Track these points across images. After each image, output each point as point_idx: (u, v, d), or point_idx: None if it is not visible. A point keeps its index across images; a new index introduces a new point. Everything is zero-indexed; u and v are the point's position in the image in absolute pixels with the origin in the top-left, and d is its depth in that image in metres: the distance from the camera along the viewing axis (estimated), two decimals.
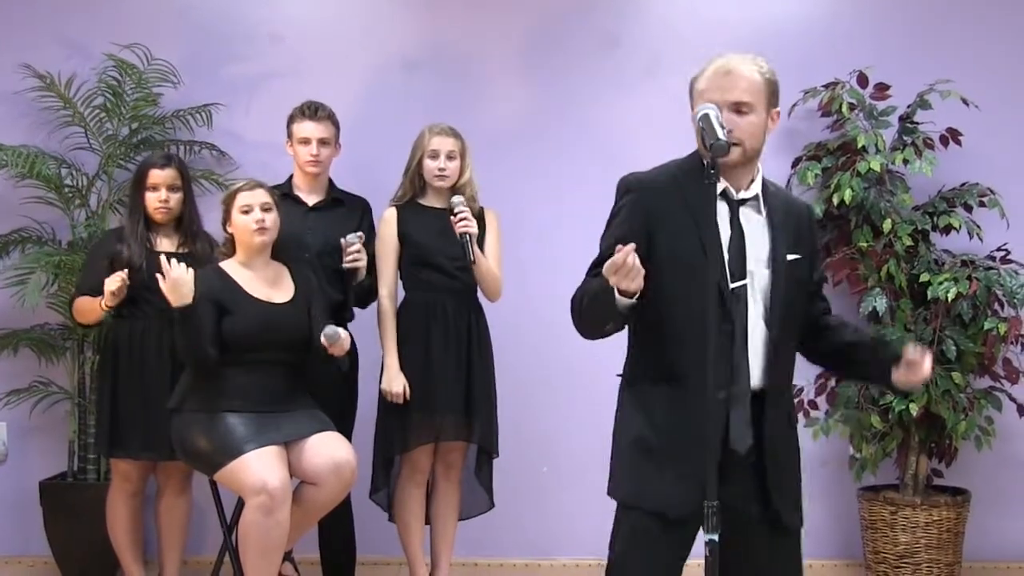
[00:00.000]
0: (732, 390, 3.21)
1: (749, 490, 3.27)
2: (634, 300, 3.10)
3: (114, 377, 5.16)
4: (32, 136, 5.99)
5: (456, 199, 5.01)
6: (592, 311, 3.22)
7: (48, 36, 6.05)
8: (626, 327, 3.34)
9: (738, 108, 3.22)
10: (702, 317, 3.07)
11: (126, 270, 4.99)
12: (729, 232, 3.27)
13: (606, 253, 3.23)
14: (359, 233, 5.19)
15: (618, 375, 3.49)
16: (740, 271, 3.26)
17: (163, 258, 4.61)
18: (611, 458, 3.44)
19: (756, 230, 3.32)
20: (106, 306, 5.01)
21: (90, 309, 5.11)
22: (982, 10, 6.11)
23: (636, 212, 3.30)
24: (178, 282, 4.54)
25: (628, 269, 3.00)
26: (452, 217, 4.97)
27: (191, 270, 4.59)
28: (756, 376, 3.27)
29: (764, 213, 3.34)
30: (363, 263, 5.18)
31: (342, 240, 5.14)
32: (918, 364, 3.30)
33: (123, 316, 5.15)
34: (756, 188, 3.34)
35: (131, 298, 5.10)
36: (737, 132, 3.20)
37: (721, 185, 3.25)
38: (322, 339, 4.69)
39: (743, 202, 3.31)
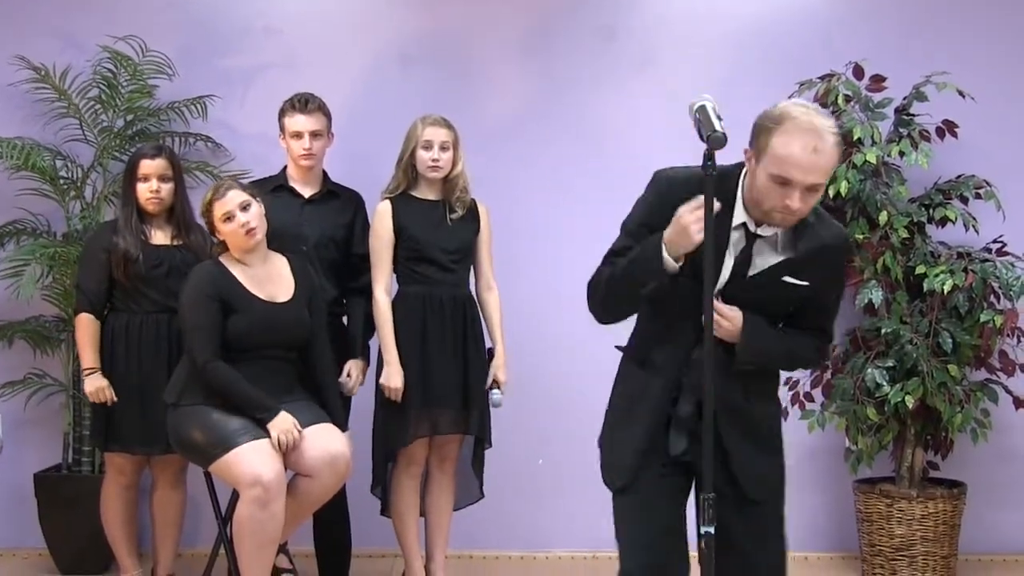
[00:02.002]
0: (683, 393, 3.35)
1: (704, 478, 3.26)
2: (679, 265, 3.17)
3: (110, 370, 5.14)
4: (27, 128, 5.97)
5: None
6: (634, 273, 3.26)
7: (43, 28, 6.04)
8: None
9: (812, 191, 3.18)
10: (683, 323, 3.29)
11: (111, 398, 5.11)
12: (734, 257, 3.31)
13: (631, 232, 3.37)
14: (353, 381, 5.28)
15: (617, 347, 3.58)
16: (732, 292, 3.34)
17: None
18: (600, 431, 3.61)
19: (766, 261, 3.33)
20: (83, 373, 5.16)
21: (81, 346, 5.16)
22: (978, 2, 6.11)
23: (655, 211, 3.30)
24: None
25: (689, 227, 3.09)
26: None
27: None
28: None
29: (779, 249, 3.33)
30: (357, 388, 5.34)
31: (340, 381, 5.19)
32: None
33: (119, 309, 5.15)
34: (778, 228, 3.31)
35: (127, 291, 5.10)
36: (802, 211, 3.20)
37: (743, 218, 3.29)
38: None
39: (762, 236, 3.31)
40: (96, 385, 5.09)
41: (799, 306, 3.42)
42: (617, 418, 3.51)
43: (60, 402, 5.90)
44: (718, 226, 3.16)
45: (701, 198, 3.01)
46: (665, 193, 3.32)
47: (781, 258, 3.32)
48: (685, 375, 3.33)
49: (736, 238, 3.30)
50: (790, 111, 3.16)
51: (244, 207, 4.72)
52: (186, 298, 4.71)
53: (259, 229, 4.76)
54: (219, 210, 4.71)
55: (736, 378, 3.35)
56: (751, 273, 3.31)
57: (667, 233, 3.14)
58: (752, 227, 3.29)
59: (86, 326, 5.13)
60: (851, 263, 5.73)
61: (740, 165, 3.31)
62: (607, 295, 3.37)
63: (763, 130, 3.18)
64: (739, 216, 3.29)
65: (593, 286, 3.42)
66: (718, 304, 3.24)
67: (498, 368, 5.21)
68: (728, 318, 3.28)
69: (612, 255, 3.40)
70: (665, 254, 3.15)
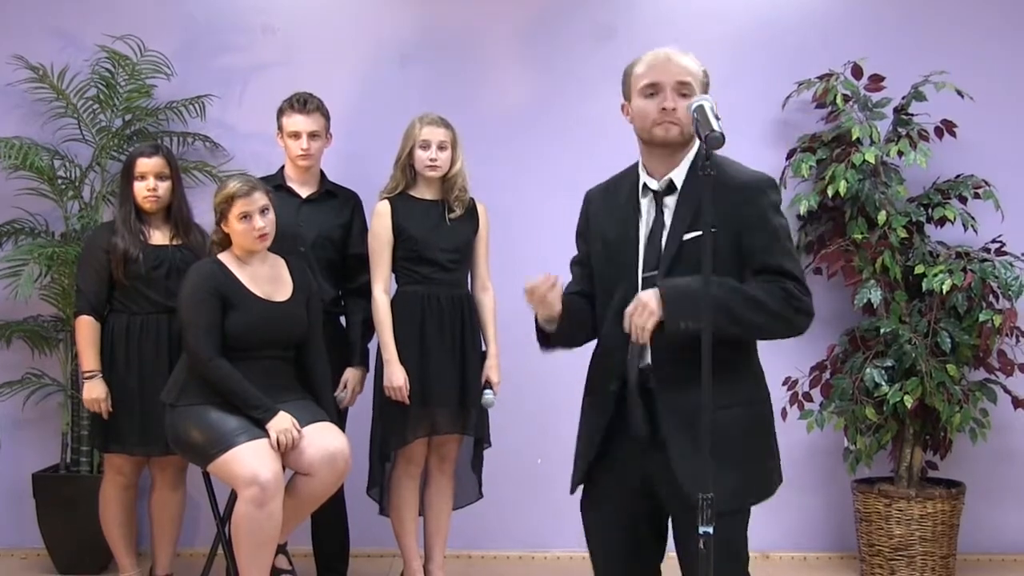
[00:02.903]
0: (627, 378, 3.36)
1: (658, 471, 3.32)
2: (552, 327, 3.43)
3: (109, 370, 5.14)
4: (25, 128, 5.97)
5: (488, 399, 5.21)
6: (536, 327, 3.54)
7: (41, 28, 6.04)
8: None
9: (681, 89, 3.31)
10: (616, 314, 3.32)
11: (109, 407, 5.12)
12: (650, 223, 3.37)
13: (573, 260, 3.66)
14: (349, 393, 5.32)
15: None
16: (657, 260, 3.33)
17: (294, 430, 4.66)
18: None
19: (670, 214, 3.37)
20: (83, 376, 5.16)
21: (82, 349, 5.15)
22: (977, 2, 6.10)
23: (582, 227, 3.61)
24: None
25: (539, 297, 3.33)
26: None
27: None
28: (647, 354, 3.34)
29: (676, 198, 3.35)
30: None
31: (336, 395, 5.20)
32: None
33: (119, 310, 5.14)
34: (675, 173, 3.36)
35: (127, 292, 5.09)
36: (679, 113, 3.29)
37: (645, 179, 3.40)
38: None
39: (668, 192, 3.37)
40: (93, 395, 5.09)
41: (739, 260, 3.29)
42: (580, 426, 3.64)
43: (58, 402, 5.89)
44: (626, 204, 3.42)
45: (543, 280, 3.31)
46: (588, 207, 3.62)
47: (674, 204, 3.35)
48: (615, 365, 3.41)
49: (646, 206, 3.40)
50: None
51: (263, 211, 4.72)
52: (186, 295, 4.71)
53: (270, 236, 4.76)
54: (240, 207, 4.68)
55: (689, 386, 3.12)
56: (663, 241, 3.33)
57: (526, 299, 3.38)
58: (653, 184, 3.37)
59: (86, 328, 5.12)
60: (850, 263, 5.74)
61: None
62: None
63: (625, 74, 3.47)
64: (642, 181, 3.41)
65: None
66: (629, 308, 3.23)
67: (490, 369, 5.21)
68: (641, 303, 3.20)
69: (570, 270, 3.67)
70: (539, 317, 3.43)
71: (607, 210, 3.49)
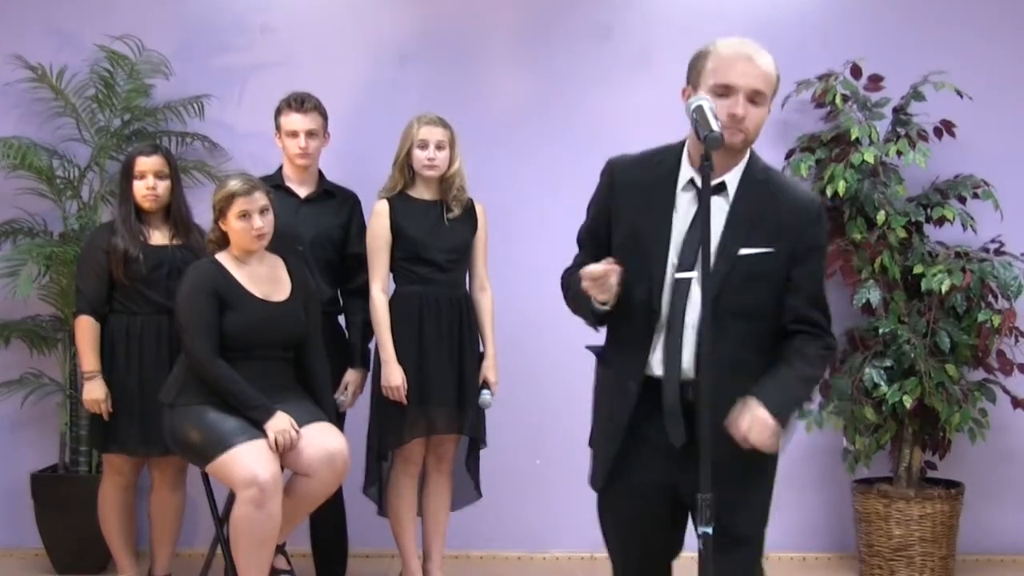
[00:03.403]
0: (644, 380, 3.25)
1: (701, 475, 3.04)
2: (607, 308, 3.19)
3: (109, 371, 5.13)
4: (23, 127, 5.97)
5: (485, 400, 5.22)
6: (575, 305, 3.35)
7: (39, 27, 6.03)
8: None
9: (754, 98, 3.16)
10: (637, 308, 3.21)
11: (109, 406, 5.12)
12: (688, 221, 3.20)
13: (585, 229, 3.46)
14: (349, 396, 5.33)
15: (587, 347, 3.55)
16: (693, 263, 3.17)
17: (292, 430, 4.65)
18: None
19: (718, 221, 3.21)
20: (83, 377, 5.16)
21: (82, 349, 5.14)
22: (976, 2, 6.10)
23: (603, 194, 3.38)
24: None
25: (603, 282, 3.12)
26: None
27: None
28: (687, 366, 3.19)
29: (729, 202, 3.23)
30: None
31: (336, 398, 5.19)
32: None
33: (119, 311, 5.14)
34: (728, 177, 3.23)
35: (127, 292, 5.09)
36: (747, 122, 3.15)
37: (690, 174, 3.22)
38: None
39: (715, 191, 3.17)
40: (93, 396, 5.09)
41: (778, 291, 3.24)
42: (594, 421, 3.49)
43: (57, 402, 5.89)
44: (661, 192, 3.23)
45: (608, 268, 3.10)
46: (613, 176, 3.37)
47: (728, 209, 3.21)
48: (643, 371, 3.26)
49: (686, 201, 3.23)
50: (718, 40, 3.24)
51: (263, 211, 4.71)
52: (184, 296, 4.70)
53: (268, 236, 4.75)
54: (240, 205, 4.66)
55: (725, 403, 3.14)
56: (713, 242, 3.13)
57: (584, 282, 3.15)
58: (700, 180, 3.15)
59: (86, 329, 5.11)
60: (849, 263, 5.74)
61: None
62: (569, 306, 3.42)
63: (697, 60, 3.23)
64: (685, 174, 3.24)
65: (563, 286, 3.47)
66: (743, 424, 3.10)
67: (488, 369, 5.21)
68: (759, 422, 3.09)
69: (579, 244, 3.48)
70: (592, 300, 3.19)
71: (639, 192, 3.28)
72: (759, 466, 3.28)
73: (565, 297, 3.44)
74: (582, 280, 3.13)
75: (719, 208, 3.21)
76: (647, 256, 3.21)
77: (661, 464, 3.26)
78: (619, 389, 3.30)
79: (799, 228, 3.26)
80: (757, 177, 3.27)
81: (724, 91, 3.15)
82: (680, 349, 3.19)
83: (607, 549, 3.52)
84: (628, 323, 3.27)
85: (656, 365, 3.23)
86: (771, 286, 3.24)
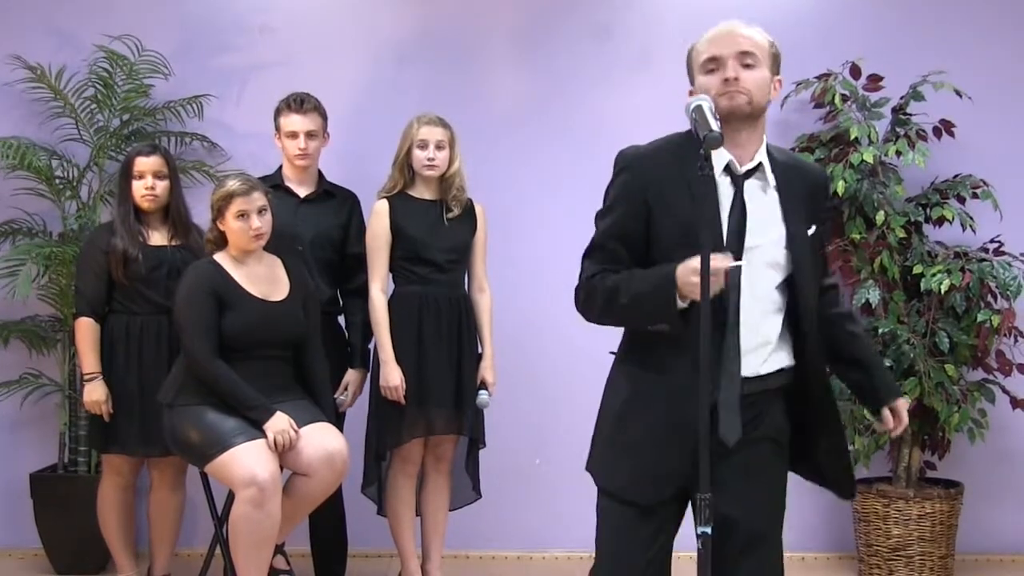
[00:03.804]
0: (720, 381, 3.10)
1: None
2: (687, 304, 2.99)
3: (109, 371, 5.13)
4: (23, 127, 5.97)
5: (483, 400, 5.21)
6: (643, 306, 3.09)
7: (38, 27, 6.03)
8: None
9: (744, 61, 3.15)
10: (694, 305, 3.00)
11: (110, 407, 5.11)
12: (729, 209, 3.11)
13: (607, 232, 3.21)
14: (350, 396, 5.33)
15: (611, 352, 3.40)
16: (739, 253, 3.09)
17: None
18: (593, 433, 3.40)
19: (762, 205, 3.15)
20: (83, 378, 5.16)
21: (82, 351, 5.13)
22: (975, 2, 6.10)
23: (633, 189, 3.18)
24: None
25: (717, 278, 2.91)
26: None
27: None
28: (757, 364, 3.16)
29: (773, 185, 3.17)
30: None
31: (336, 398, 5.20)
32: (892, 426, 3.43)
33: (118, 311, 5.14)
34: (761, 156, 3.18)
35: (127, 293, 5.09)
36: (744, 83, 3.12)
37: (725, 158, 3.12)
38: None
39: (748, 175, 3.15)
40: (94, 397, 5.08)
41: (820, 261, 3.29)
42: (632, 430, 3.26)
43: (56, 402, 5.89)
44: (701, 180, 2.96)
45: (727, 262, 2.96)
46: (638, 168, 3.20)
47: (775, 193, 3.16)
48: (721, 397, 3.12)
49: (725, 188, 3.14)
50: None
51: (261, 211, 4.71)
52: (182, 296, 4.70)
53: (266, 236, 4.75)
54: (238, 205, 4.66)
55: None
56: (750, 232, 3.11)
57: (681, 276, 2.95)
58: (736, 167, 3.13)
59: (86, 330, 5.11)
60: (848, 263, 5.74)
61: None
62: (613, 312, 3.18)
63: (689, 56, 3.28)
64: (721, 158, 3.13)
65: (590, 293, 3.21)
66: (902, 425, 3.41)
67: (486, 369, 5.20)
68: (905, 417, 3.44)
69: (594, 251, 3.24)
70: (678, 296, 2.97)
71: (673, 182, 3.12)
72: (777, 462, 3.30)
73: (605, 304, 3.17)
74: (687, 277, 2.92)
75: (759, 190, 3.18)
76: (697, 247, 2.92)
77: (685, 467, 3.12)
78: (688, 392, 3.03)
79: (822, 200, 3.31)
80: (778, 158, 3.25)
81: (713, 64, 3.17)
82: (739, 341, 3.11)
83: (603, 554, 3.36)
84: (683, 321, 3.06)
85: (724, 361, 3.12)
86: (817, 259, 3.30)
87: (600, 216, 3.27)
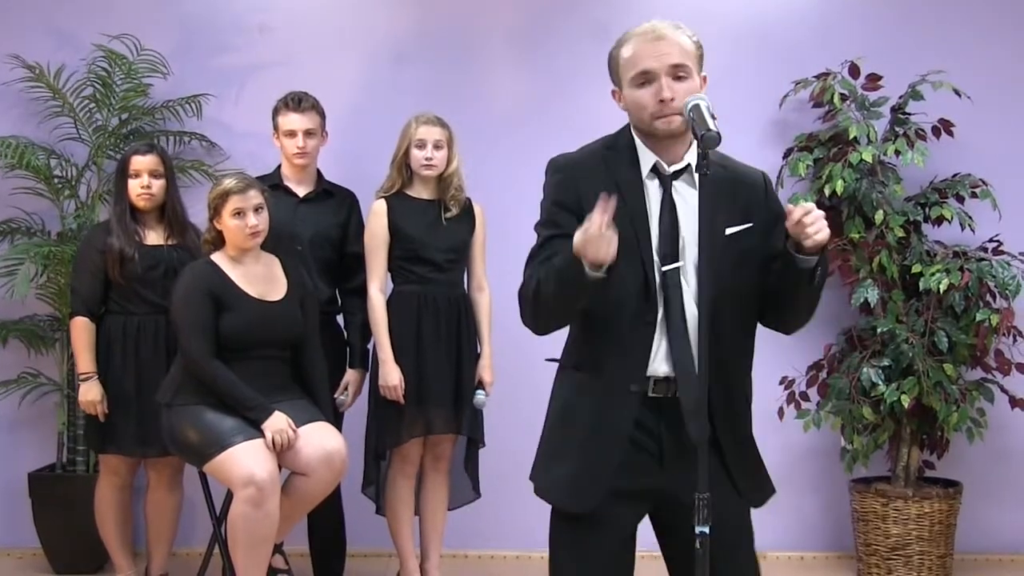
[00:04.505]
0: (647, 380, 3.07)
1: (699, 475, 2.93)
2: (603, 273, 2.90)
3: (105, 371, 5.13)
4: (21, 127, 5.97)
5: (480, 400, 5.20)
6: (560, 291, 3.03)
7: (37, 26, 6.03)
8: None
9: (676, 73, 3.09)
10: (625, 304, 3.04)
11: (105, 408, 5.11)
12: (659, 210, 3.08)
13: (546, 238, 3.18)
14: (350, 396, 5.34)
15: (548, 359, 3.38)
16: (674, 252, 3.07)
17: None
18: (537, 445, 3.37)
19: (691, 205, 3.09)
20: (79, 378, 5.16)
21: (77, 350, 5.15)
22: (974, 1, 6.10)
23: (565, 190, 3.18)
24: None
25: (600, 235, 2.83)
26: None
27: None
28: (698, 360, 3.01)
29: (696, 185, 3.06)
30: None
31: (336, 398, 5.20)
32: (793, 215, 2.99)
33: (115, 311, 5.13)
34: (689, 157, 3.13)
35: (124, 292, 5.09)
36: (679, 100, 3.05)
37: (651, 160, 3.12)
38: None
39: (676, 176, 3.11)
40: (89, 397, 5.08)
41: (760, 269, 3.15)
42: (566, 436, 3.24)
43: (54, 401, 5.89)
44: (629, 185, 3.05)
45: (605, 209, 2.83)
46: (569, 171, 3.21)
47: (697, 192, 3.01)
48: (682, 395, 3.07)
49: (654, 189, 3.11)
50: (626, 32, 3.22)
51: (257, 209, 4.71)
52: (179, 297, 4.70)
53: (262, 234, 4.75)
54: (235, 203, 4.67)
55: (734, 389, 3.17)
56: (684, 230, 3.08)
57: (577, 244, 2.87)
58: (664, 168, 3.09)
59: (82, 329, 5.11)
60: (847, 262, 5.74)
61: (624, 127, 3.26)
62: (540, 310, 3.14)
63: (610, 59, 3.22)
64: (647, 160, 3.12)
65: (523, 299, 3.20)
66: (807, 204, 2.98)
67: (483, 369, 5.20)
68: (821, 216, 2.97)
69: (535, 257, 3.21)
70: (586, 268, 2.89)
71: (604, 186, 3.01)
72: (752, 440, 3.26)
73: (536, 304, 3.14)
74: (580, 246, 2.86)
75: (690, 190, 3.13)
76: (633, 251, 3.03)
77: (653, 469, 3.11)
78: (615, 395, 3.09)
79: (762, 201, 3.21)
80: (712, 159, 3.08)
81: (644, 78, 3.12)
82: (689, 343, 3.05)
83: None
84: (617, 324, 3.09)
85: (661, 364, 3.08)
86: (755, 263, 3.15)
87: (540, 220, 3.28)
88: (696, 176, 3.03)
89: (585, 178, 3.16)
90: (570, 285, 2.98)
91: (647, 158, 3.15)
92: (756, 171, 3.33)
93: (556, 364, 3.38)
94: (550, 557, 3.29)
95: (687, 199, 3.13)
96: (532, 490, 3.40)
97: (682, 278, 3.08)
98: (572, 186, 3.18)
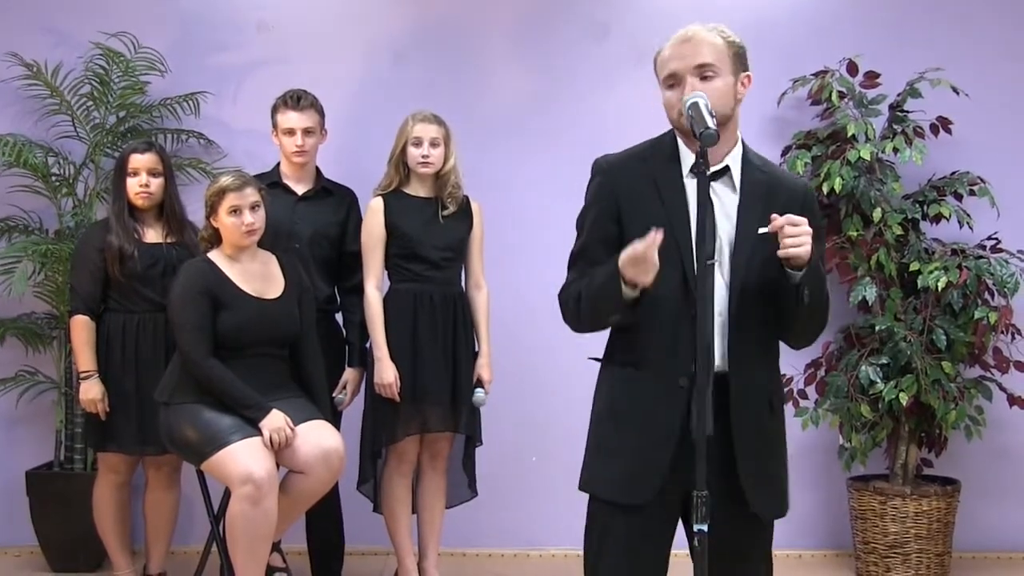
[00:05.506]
0: (695, 375, 3.04)
1: (717, 477, 3.03)
2: (638, 293, 3.03)
3: (105, 369, 5.12)
4: (19, 125, 5.96)
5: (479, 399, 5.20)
6: (597, 302, 3.15)
7: (35, 24, 6.03)
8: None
9: (701, 73, 3.15)
10: (667, 300, 3.09)
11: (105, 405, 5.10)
12: (696, 209, 3.04)
13: (586, 241, 3.27)
14: (349, 395, 5.33)
15: (591, 358, 3.40)
16: (712, 250, 3.11)
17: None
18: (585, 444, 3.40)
19: (728, 205, 3.18)
20: (79, 376, 5.15)
21: (77, 349, 5.13)
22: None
23: (604, 194, 3.26)
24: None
25: (646, 261, 2.94)
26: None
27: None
28: (718, 358, 3.13)
29: (737, 186, 3.19)
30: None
31: (334, 397, 5.20)
32: (776, 222, 3.05)
33: (114, 309, 5.13)
34: (730, 160, 3.20)
35: (123, 291, 5.08)
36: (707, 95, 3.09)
37: (692, 159, 3.14)
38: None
39: (715, 176, 3.17)
40: (90, 396, 5.07)
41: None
42: (616, 431, 3.25)
43: (52, 399, 5.88)
44: (669, 182, 3.15)
45: (656, 236, 2.92)
46: (609, 172, 3.28)
47: (737, 192, 3.16)
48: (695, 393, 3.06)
49: (693, 188, 3.11)
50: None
51: (254, 207, 4.70)
52: (176, 295, 4.70)
53: (259, 232, 4.74)
54: (231, 201, 4.66)
55: (755, 391, 3.18)
56: (720, 230, 3.14)
57: (622, 262, 2.98)
58: (703, 167, 3.10)
59: (81, 328, 5.10)
60: (845, 260, 5.74)
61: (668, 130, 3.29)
62: (581, 316, 3.23)
63: (654, 63, 3.26)
64: (689, 159, 3.17)
65: (565, 302, 3.29)
66: (795, 218, 3.02)
67: (482, 367, 5.20)
68: (805, 229, 3.02)
69: (577, 259, 3.30)
70: (624, 287, 3.01)
71: (646, 185, 3.19)
72: (778, 450, 3.29)
73: (577, 309, 3.22)
74: (625, 266, 2.96)
75: (728, 192, 3.20)
76: (673, 247, 3.08)
77: (691, 463, 3.03)
78: (665, 389, 3.13)
79: (800, 210, 3.18)
80: (754, 162, 3.27)
81: (672, 80, 3.17)
82: (713, 338, 3.09)
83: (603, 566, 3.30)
84: (661, 320, 3.13)
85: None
86: (778, 267, 3.15)
87: (580, 221, 3.33)
88: (737, 178, 3.17)
89: (624, 178, 3.24)
90: (607, 299, 3.10)
91: (688, 157, 3.20)
92: (801, 180, 3.45)
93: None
94: (594, 550, 3.32)
95: (723, 199, 3.18)
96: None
97: (717, 274, 3.14)
98: (610, 186, 3.26)
